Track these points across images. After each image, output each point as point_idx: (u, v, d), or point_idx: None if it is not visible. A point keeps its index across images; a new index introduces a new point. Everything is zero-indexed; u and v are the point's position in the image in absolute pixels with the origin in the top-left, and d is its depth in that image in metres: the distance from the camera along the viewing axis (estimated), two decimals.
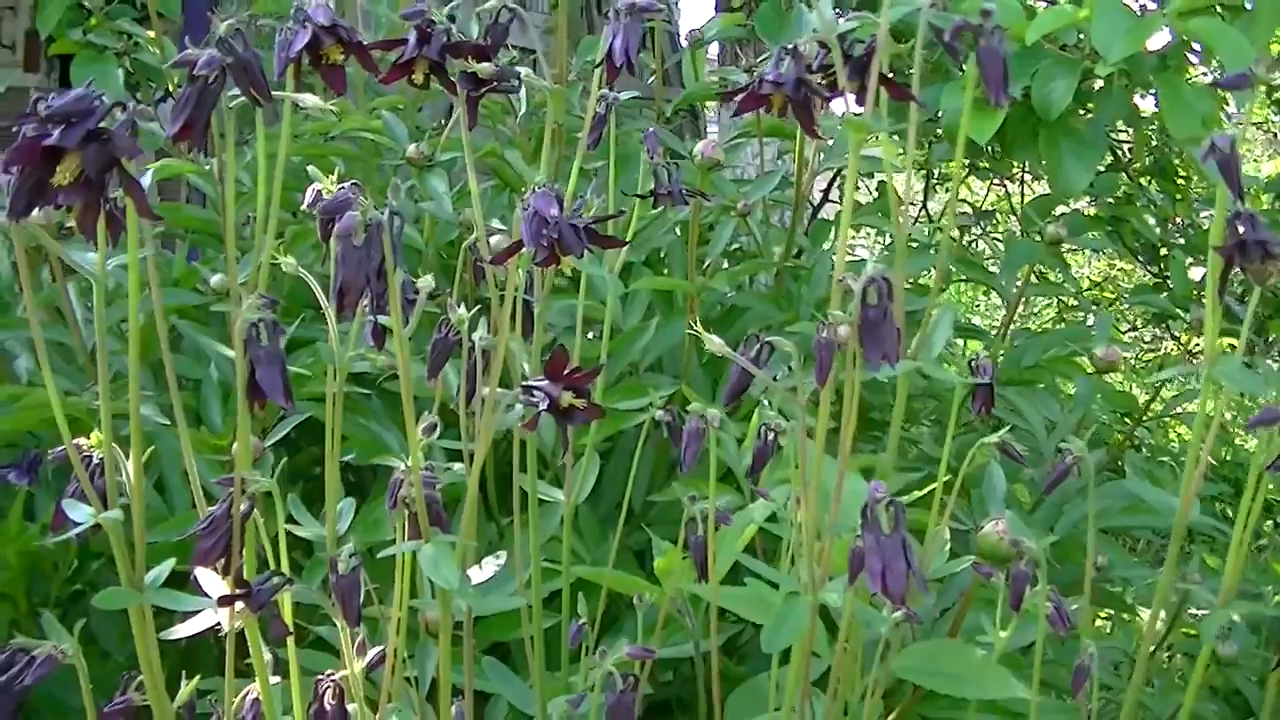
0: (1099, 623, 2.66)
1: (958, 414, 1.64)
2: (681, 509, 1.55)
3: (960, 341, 3.01)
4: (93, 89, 1.02)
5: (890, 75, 1.24)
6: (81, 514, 1.20)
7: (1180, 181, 3.42)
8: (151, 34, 2.77)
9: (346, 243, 1.09)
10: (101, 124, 1.00)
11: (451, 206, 2.19)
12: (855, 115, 1.21)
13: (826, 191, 3.43)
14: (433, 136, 2.38)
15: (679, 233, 2.40)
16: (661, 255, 2.51)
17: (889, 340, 1.15)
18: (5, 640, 1.23)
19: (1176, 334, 4.23)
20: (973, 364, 1.60)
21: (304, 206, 1.32)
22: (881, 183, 3.04)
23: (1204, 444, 1.43)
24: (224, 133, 1.41)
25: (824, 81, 1.27)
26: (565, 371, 1.24)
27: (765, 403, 1.49)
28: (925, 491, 1.72)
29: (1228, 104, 3.00)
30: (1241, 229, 1.29)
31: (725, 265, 2.47)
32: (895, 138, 1.46)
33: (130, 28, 2.83)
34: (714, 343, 1.26)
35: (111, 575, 2.12)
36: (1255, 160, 5.86)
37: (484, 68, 1.33)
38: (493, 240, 1.60)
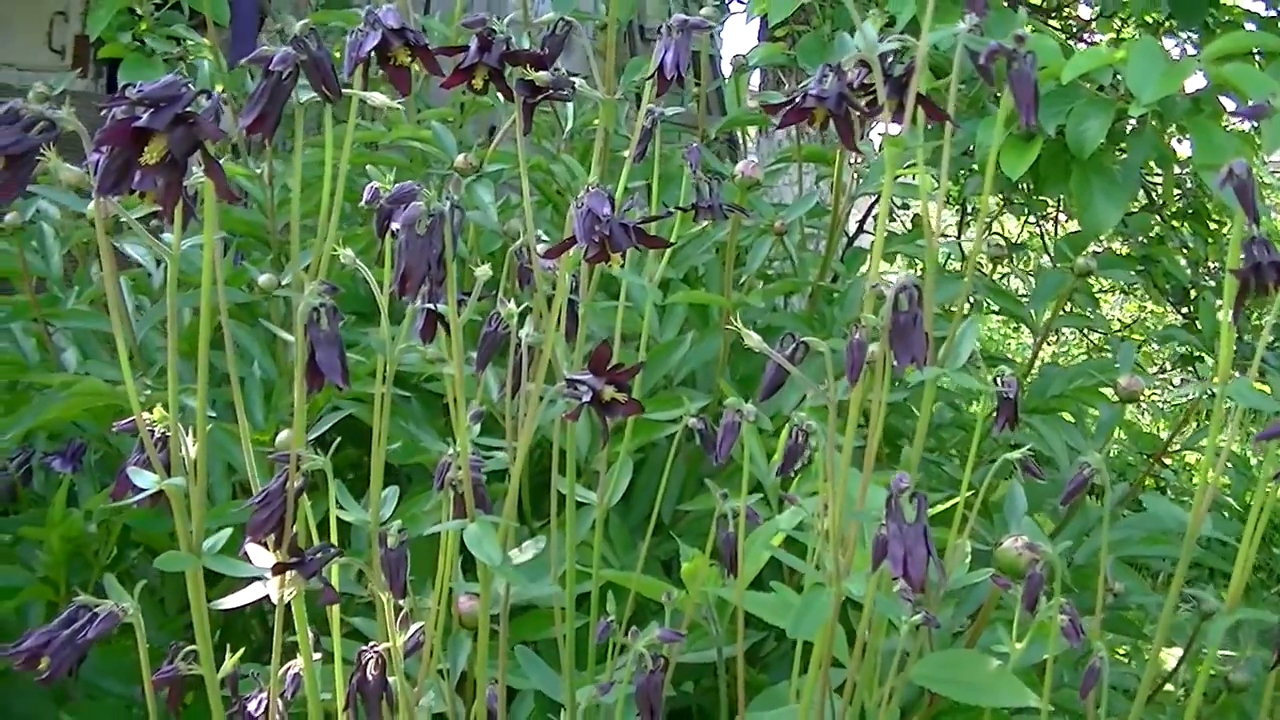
0: (1118, 656, 2.72)
1: (982, 435, 1.72)
2: (709, 521, 1.62)
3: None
4: (180, 77, 1.10)
5: (927, 97, 1.33)
6: (146, 480, 1.28)
7: (1213, 225, 3.50)
8: (204, 40, 2.86)
9: (410, 231, 1.18)
10: (188, 109, 1.08)
11: (496, 216, 2.28)
12: (893, 134, 1.30)
13: (862, 222, 3.51)
14: (479, 148, 2.46)
15: (717, 252, 2.48)
16: (700, 274, 2.59)
17: (918, 345, 1.23)
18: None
19: (1205, 377, 4.29)
20: (998, 380, 1.67)
21: (363, 203, 1.40)
22: (916, 215, 3.12)
23: (1215, 462, 1.51)
24: (287, 137, 1.49)
25: (865, 100, 1.35)
26: (608, 366, 1.33)
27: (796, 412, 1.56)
28: (947, 506, 1.79)
29: (1259, 148, 3.07)
30: (1257, 252, 1.37)
31: (761, 287, 2.55)
32: (929, 167, 1.54)
33: (184, 33, 2.92)
34: (752, 338, 1.34)
35: (150, 566, 2.21)
36: None
37: (541, 76, 1.42)
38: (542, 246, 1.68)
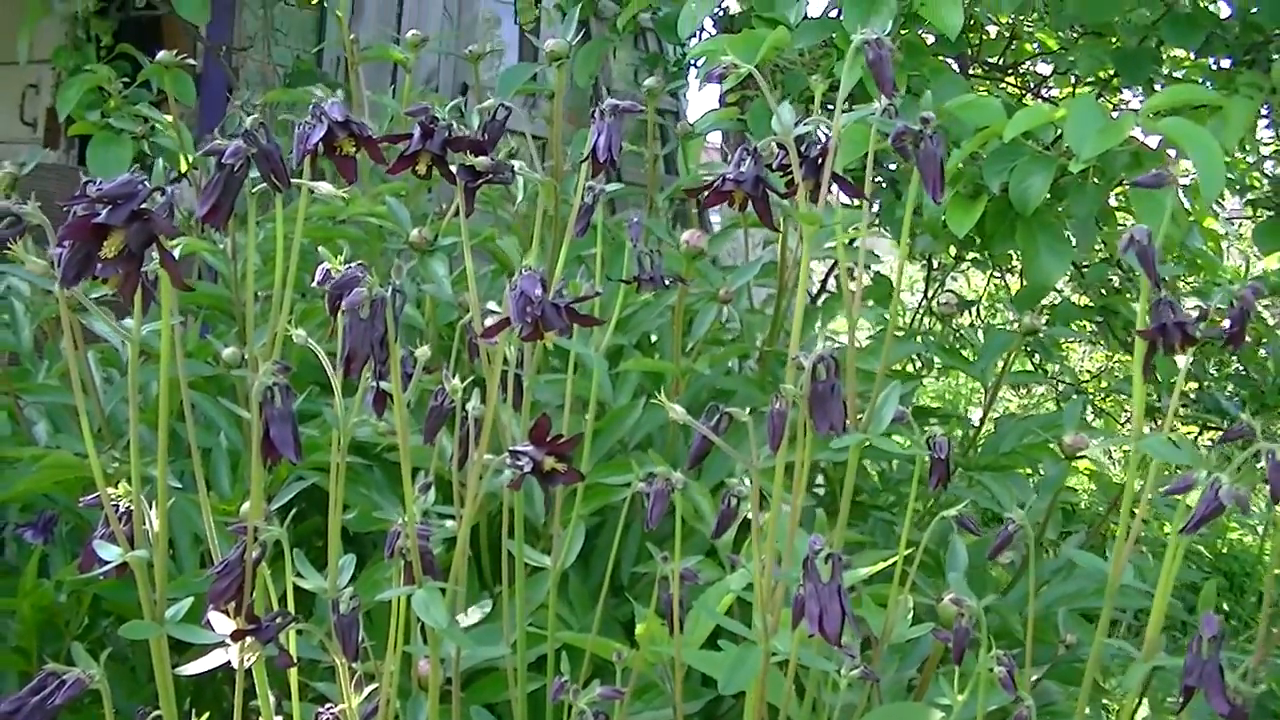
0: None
1: (933, 494, 1.81)
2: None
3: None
4: (137, 175, 1.21)
5: (842, 176, 1.44)
6: (111, 553, 1.38)
7: (1167, 278, 3.60)
8: (168, 118, 2.97)
9: (354, 315, 1.28)
10: (143, 205, 1.19)
11: (451, 289, 2.38)
12: (807, 212, 1.40)
13: (824, 282, 3.62)
14: (435, 222, 2.57)
15: (670, 318, 2.57)
16: (653, 340, 2.69)
17: (835, 412, 1.34)
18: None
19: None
20: (930, 442, 1.77)
21: (314, 284, 1.50)
22: (877, 273, 3.22)
23: (1134, 513, 1.61)
24: (243, 214, 1.59)
25: (785, 178, 1.46)
26: (548, 437, 1.43)
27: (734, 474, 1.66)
28: (889, 563, 1.88)
29: (1221, 202, 3.18)
30: (1163, 314, 1.48)
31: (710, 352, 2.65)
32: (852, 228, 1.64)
33: (148, 112, 3.04)
34: (676, 411, 1.44)
35: (119, 635, 2.30)
36: (1256, 258, 6.04)
37: (480, 161, 1.52)
38: (488, 321, 1.78)
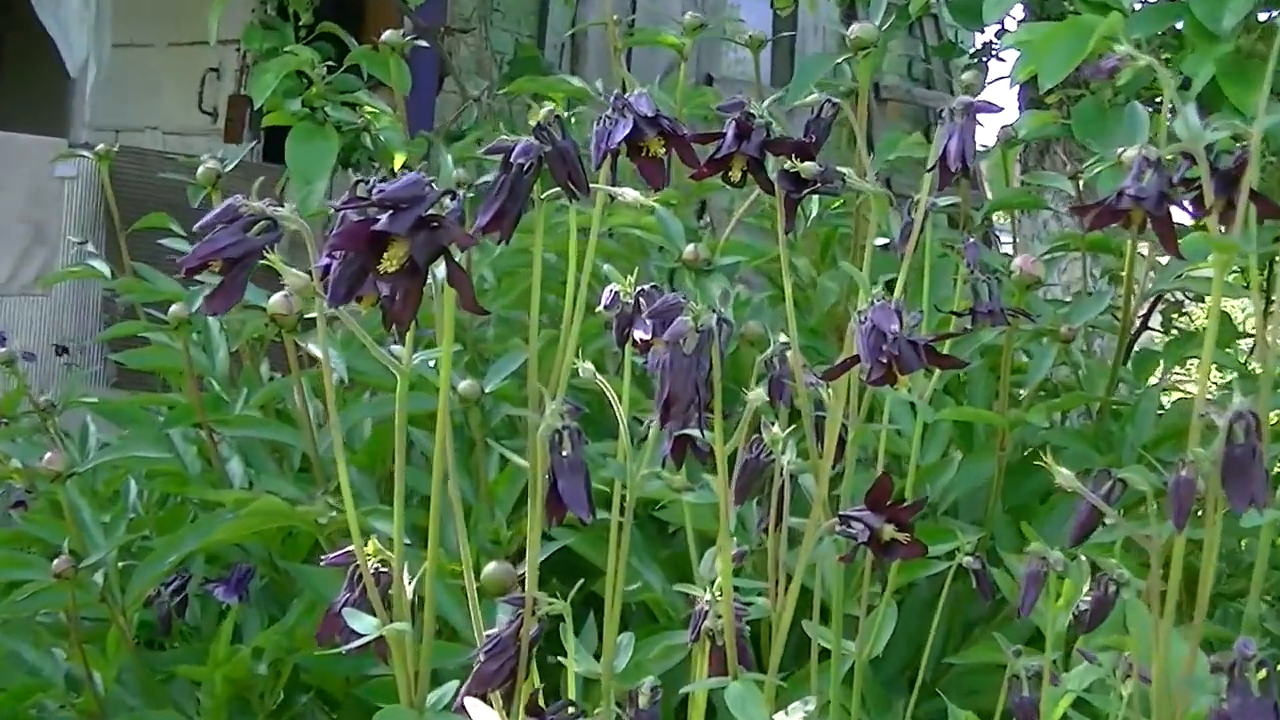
0: None
1: None
2: (979, 678, 1.65)
3: None
4: (423, 175, 1.18)
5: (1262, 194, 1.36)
6: (366, 625, 1.35)
7: None
8: (383, 107, 2.97)
9: (676, 350, 1.24)
10: (432, 211, 1.16)
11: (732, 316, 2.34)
12: (1221, 239, 1.33)
13: (1146, 317, 3.51)
14: (710, 238, 2.53)
15: (981, 357, 2.50)
16: (962, 382, 2.62)
17: (1258, 481, 1.26)
18: None
19: None
20: None
21: (601, 308, 1.46)
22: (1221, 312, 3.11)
23: None
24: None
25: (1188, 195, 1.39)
26: (889, 501, 1.38)
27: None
28: None
29: None
30: None
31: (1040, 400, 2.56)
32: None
33: (367, 99, 3.03)
34: (1064, 475, 1.38)
35: (318, 712, 2.29)
36: None
37: (807, 167, 1.47)
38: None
